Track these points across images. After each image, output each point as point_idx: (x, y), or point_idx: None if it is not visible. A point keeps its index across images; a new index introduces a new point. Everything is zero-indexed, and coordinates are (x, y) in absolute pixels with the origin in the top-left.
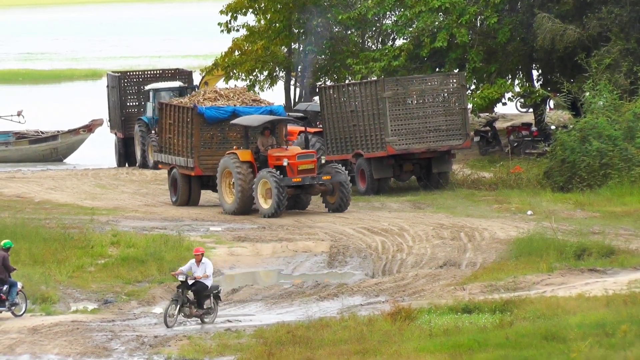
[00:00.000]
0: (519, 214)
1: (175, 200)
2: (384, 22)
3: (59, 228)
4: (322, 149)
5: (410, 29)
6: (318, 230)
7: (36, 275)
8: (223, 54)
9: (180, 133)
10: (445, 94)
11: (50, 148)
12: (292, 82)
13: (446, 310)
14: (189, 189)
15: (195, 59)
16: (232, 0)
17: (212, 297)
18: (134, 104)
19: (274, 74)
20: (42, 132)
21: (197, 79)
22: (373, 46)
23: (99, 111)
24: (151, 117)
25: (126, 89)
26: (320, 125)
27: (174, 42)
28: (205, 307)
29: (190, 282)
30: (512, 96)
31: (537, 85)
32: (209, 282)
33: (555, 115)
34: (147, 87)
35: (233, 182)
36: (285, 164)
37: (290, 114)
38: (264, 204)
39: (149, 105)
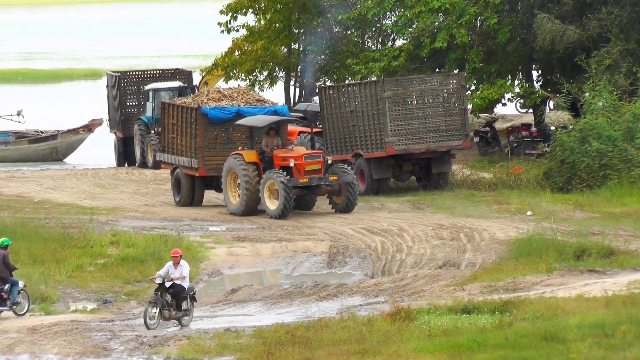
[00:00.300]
0: (519, 214)
1: (179, 201)
2: (384, 22)
3: (59, 228)
4: (321, 149)
5: (410, 30)
6: (317, 231)
7: (35, 274)
8: (223, 54)
9: (184, 133)
10: (445, 95)
11: (50, 148)
12: (292, 82)
13: (445, 311)
14: (192, 189)
15: (195, 59)
16: (232, 0)
17: (188, 299)
18: (134, 103)
19: (274, 74)
20: (42, 132)
21: (197, 79)
22: (373, 46)
23: (98, 111)
24: (151, 116)
25: (126, 88)
26: (320, 126)
27: (174, 42)
28: (182, 308)
29: (167, 284)
30: (511, 97)
31: (536, 85)
32: (186, 284)
33: (555, 115)
34: (146, 87)
35: (239, 183)
36: (292, 164)
37: (291, 114)
38: (271, 205)
39: (149, 105)
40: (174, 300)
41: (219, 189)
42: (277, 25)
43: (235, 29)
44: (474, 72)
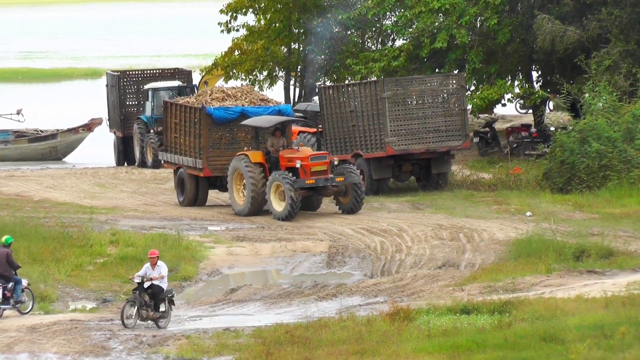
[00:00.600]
0: (518, 215)
1: (183, 201)
2: (383, 22)
3: (58, 227)
4: (321, 149)
5: (410, 30)
6: (317, 231)
7: (35, 273)
8: (223, 53)
9: (188, 133)
10: (445, 95)
11: (50, 147)
12: (292, 82)
13: (445, 311)
14: (196, 189)
15: (195, 59)
16: (232, 0)
17: (166, 301)
18: (133, 103)
19: (274, 73)
20: (42, 131)
21: (196, 78)
22: (373, 46)
23: (98, 110)
24: (150, 116)
25: (125, 88)
26: (320, 125)
27: (174, 42)
28: (160, 310)
29: (146, 284)
30: (511, 97)
31: (536, 86)
32: (164, 285)
33: (555, 116)
34: (146, 87)
35: (244, 184)
36: (298, 165)
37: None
38: (278, 207)
39: (148, 105)
40: (152, 300)
41: (222, 189)
42: (277, 25)
43: (235, 28)
44: (474, 73)
